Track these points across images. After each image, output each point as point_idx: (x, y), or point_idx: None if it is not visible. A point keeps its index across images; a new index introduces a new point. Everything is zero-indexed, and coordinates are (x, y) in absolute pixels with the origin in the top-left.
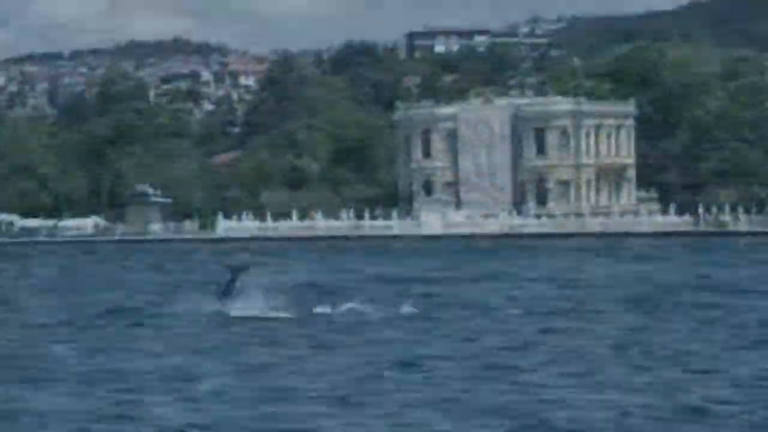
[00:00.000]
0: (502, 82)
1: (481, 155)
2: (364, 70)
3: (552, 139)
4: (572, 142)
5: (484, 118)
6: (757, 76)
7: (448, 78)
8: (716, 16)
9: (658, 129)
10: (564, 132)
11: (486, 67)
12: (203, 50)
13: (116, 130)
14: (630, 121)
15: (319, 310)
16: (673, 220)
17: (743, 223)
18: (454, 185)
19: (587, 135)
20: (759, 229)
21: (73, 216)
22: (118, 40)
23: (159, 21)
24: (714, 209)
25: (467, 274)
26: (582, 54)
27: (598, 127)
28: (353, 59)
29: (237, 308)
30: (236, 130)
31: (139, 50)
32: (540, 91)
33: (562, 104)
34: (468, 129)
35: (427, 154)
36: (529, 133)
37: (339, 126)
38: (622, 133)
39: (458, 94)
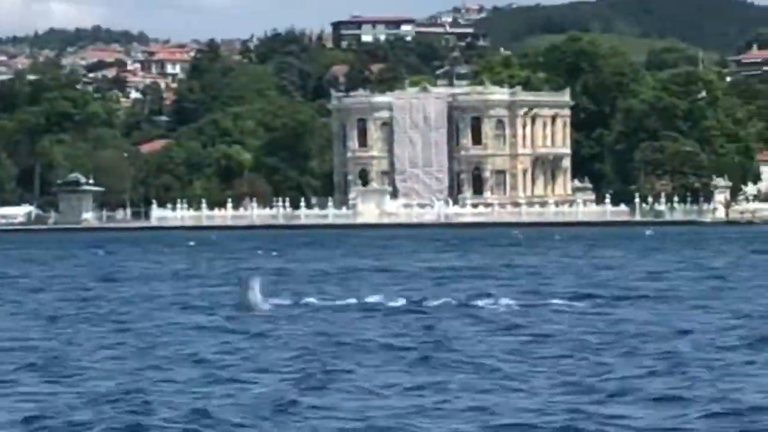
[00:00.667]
0: (431, 71)
1: (417, 144)
2: (291, 59)
3: (488, 128)
4: (508, 132)
5: (420, 107)
6: (686, 66)
7: (376, 67)
8: (636, 6)
9: (593, 119)
10: (500, 121)
11: (414, 56)
12: (124, 38)
13: (48, 119)
14: (565, 111)
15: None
16: (609, 210)
17: (678, 212)
18: (389, 174)
19: (523, 125)
20: (692, 218)
21: (4, 204)
22: (38, 27)
23: (77, 8)
24: (649, 199)
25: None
26: (505, 44)
27: (533, 117)
28: (280, 48)
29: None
30: (163, 118)
31: (59, 38)
32: (469, 79)
33: (498, 94)
34: (404, 118)
35: (362, 143)
36: (466, 122)
37: (271, 115)
38: (558, 123)
39: (387, 83)
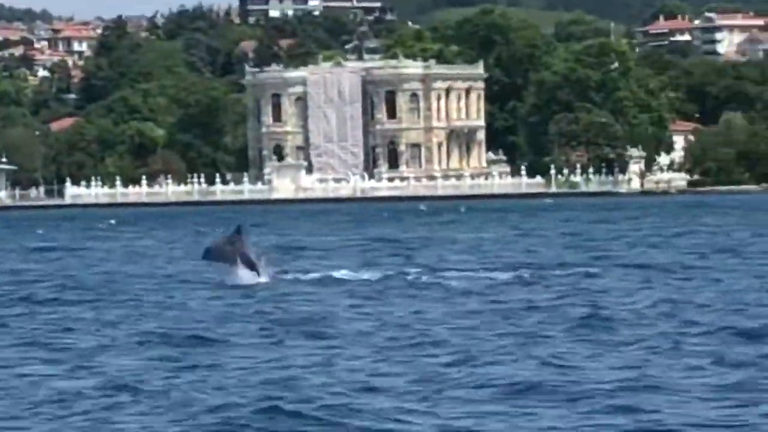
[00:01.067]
0: (340, 45)
1: (332, 119)
2: (199, 36)
3: (402, 102)
4: (422, 105)
5: (335, 81)
6: (596, 38)
7: (284, 42)
8: None
9: (506, 91)
10: (414, 95)
11: (322, 31)
12: (27, 17)
13: None
14: (479, 84)
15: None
16: (525, 182)
17: (594, 183)
18: (305, 149)
19: (438, 98)
20: (607, 189)
21: None
22: None
23: None
24: (565, 170)
25: None
26: (412, 17)
27: (448, 90)
28: (187, 24)
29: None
30: (71, 96)
31: None
32: (379, 53)
33: (413, 67)
34: (318, 93)
35: (277, 118)
36: (380, 96)
37: (184, 91)
38: (472, 96)
39: (300, 58)
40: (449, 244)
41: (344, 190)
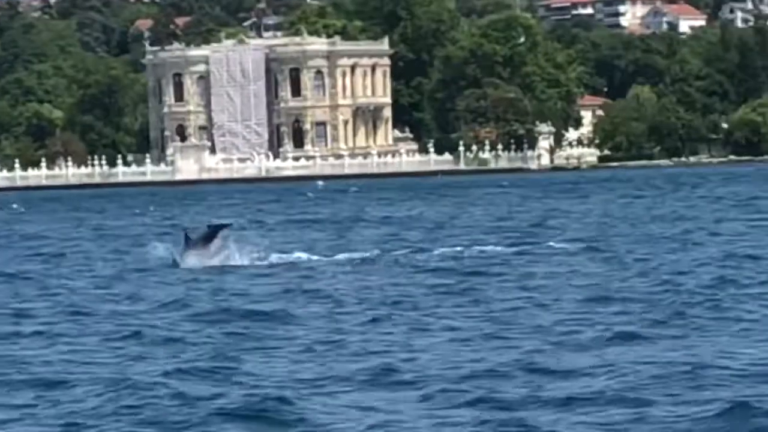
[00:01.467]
0: (237, 23)
1: (235, 98)
2: (93, 14)
3: (307, 79)
4: (327, 83)
5: (237, 59)
6: (501, 11)
7: (181, 21)
8: None
9: (411, 68)
10: (319, 72)
11: (219, 8)
12: None
13: None
14: (385, 60)
15: None
16: (433, 159)
17: (503, 160)
18: (208, 129)
19: (343, 75)
20: (517, 165)
21: None
22: None
23: None
24: (473, 147)
25: None
26: None
27: (353, 67)
28: (81, 3)
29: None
30: None
31: None
32: (278, 30)
33: (317, 44)
34: (221, 71)
35: (179, 98)
36: (284, 74)
37: (83, 72)
38: (378, 73)
39: (201, 36)
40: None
41: (249, 170)
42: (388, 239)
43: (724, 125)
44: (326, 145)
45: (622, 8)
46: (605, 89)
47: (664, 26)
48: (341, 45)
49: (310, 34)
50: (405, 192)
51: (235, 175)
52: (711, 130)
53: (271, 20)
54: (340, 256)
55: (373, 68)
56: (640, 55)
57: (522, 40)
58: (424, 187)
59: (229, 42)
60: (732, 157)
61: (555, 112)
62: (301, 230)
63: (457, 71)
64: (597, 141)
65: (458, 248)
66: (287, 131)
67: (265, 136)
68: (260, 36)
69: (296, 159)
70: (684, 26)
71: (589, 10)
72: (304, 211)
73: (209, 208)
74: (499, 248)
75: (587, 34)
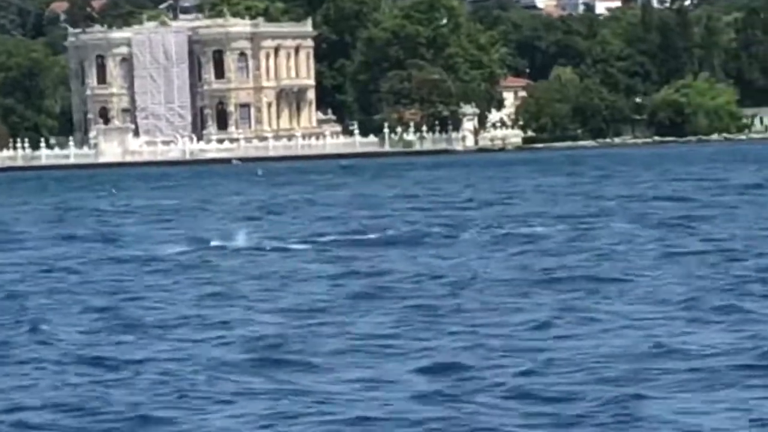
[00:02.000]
0: (154, 5)
1: (158, 80)
2: None
3: (230, 61)
4: (251, 65)
5: (160, 41)
6: None
7: (97, 3)
8: None
9: (334, 49)
10: (242, 54)
11: None
12: None
13: None
14: (308, 42)
15: None
16: (358, 141)
17: (428, 141)
18: (131, 112)
19: (267, 57)
20: (442, 147)
21: None
22: None
23: None
24: (398, 129)
25: None
26: None
27: (277, 49)
28: None
29: None
30: None
31: None
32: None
33: (241, 26)
34: (144, 53)
35: (101, 80)
36: (207, 56)
37: (4, 55)
38: (301, 54)
39: (123, 18)
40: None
41: (173, 153)
42: None
43: (647, 105)
44: (250, 127)
45: None
46: (527, 70)
47: (581, 8)
48: (264, 27)
49: (233, 15)
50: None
51: (159, 158)
52: (634, 110)
53: (187, 2)
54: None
55: (297, 50)
56: (561, 36)
57: (444, 21)
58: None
59: (152, 24)
60: (656, 137)
61: (479, 93)
62: None
63: (380, 53)
64: (521, 122)
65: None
66: (211, 113)
67: (189, 118)
68: (176, 18)
69: (220, 141)
70: (600, 7)
71: None
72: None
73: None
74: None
75: (508, 15)
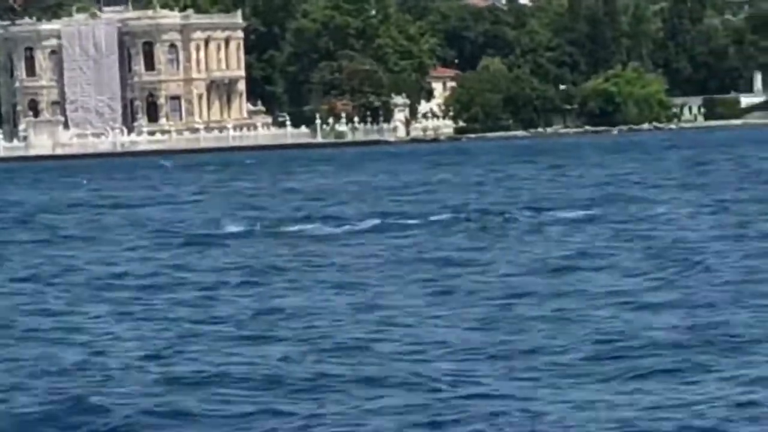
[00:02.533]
0: None
1: (88, 72)
2: None
3: (160, 53)
4: (182, 56)
5: (90, 34)
6: None
7: None
8: None
9: (263, 40)
10: (173, 46)
11: None
12: None
13: None
14: (238, 34)
15: None
16: (290, 132)
17: (360, 132)
18: (61, 104)
19: (197, 48)
20: (375, 138)
21: None
22: None
23: None
24: (330, 120)
25: None
26: None
27: (207, 41)
28: None
29: None
30: None
31: None
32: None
33: (171, 18)
34: (73, 45)
35: (31, 72)
36: (137, 48)
37: None
38: (231, 46)
39: (51, 10)
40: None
41: (103, 145)
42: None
43: (577, 95)
44: (181, 119)
45: None
46: (456, 61)
47: None
48: (195, 18)
49: (162, 7)
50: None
51: (90, 150)
52: (565, 100)
53: None
54: None
55: (227, 41)
56: (489, 27)
57: (374, 12)
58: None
59: (81, 16)
60: (588, 127)
61: (409, 84)
62: None
63: (310, 44)
64: (452, 113)
65: None
66: (141, 105)
67: (119, 110)
68: (99, 11)
69: (151, 133)
70: None
71: None
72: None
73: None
74: None
75: (436, 6)
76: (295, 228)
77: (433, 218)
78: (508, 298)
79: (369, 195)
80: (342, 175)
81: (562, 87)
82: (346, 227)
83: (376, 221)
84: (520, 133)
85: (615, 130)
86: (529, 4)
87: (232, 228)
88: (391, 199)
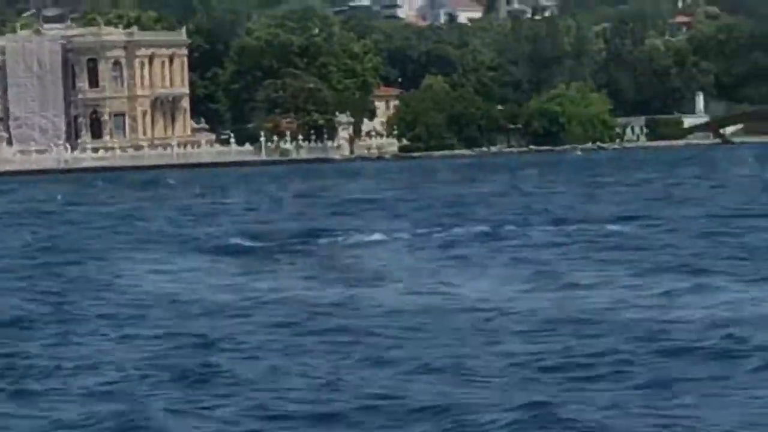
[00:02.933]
0: (16, 14)
1: (32, 89)
2: None
3: (105, 70)
4: (126, 73)
5: (34, 50)
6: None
7: None
8: None
9: (207, 58)
10: (117, 63)
11: None
12: None
13: None
14: (182, 51)
15: None
16: (234, 150)
17: (305, 150)
18: (4, 121)
19: (141, 66)
20: (319, 156)
21: None
22: None
23: None
24: (275, 138)
25: None
26: None
27: (151, 58)
28: None
29: None
30: None
31: None
32: (59, 22)
33: (115, 35)
34: (17, 62)
35: None
36: (81, 64)
37: None
38: (176, 63)
39: None
40: None
41: (47, 162)
42: None
43: (522, 114)
44: (125, 136)
45: (398, 0)
46: (399, 80)
47: (442, 18)
48: (139, 35)
49: (106, 24)
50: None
51: (33, 167)
52: (509, 119)
53: (51, 12)
54: None
55: (171, 59)
56: (432, 46)
57: (317, 30)
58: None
59: (25, 32)
60: (532, 147)
61: (353, 102)
62: None
63: (253, 62)
64: (396, 131)
65: None
66: (85, 122)
67: (63, 127)
68: (41, 27)
69: (95, 150)
70: (462, 18)
71: (366, 2)
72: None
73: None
74: None
75: (379, 25)
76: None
77: None
78: None
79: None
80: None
81: (502, 107)
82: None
83: None
84: (465, 152)
85: (579, 150)
86: (469, 24)
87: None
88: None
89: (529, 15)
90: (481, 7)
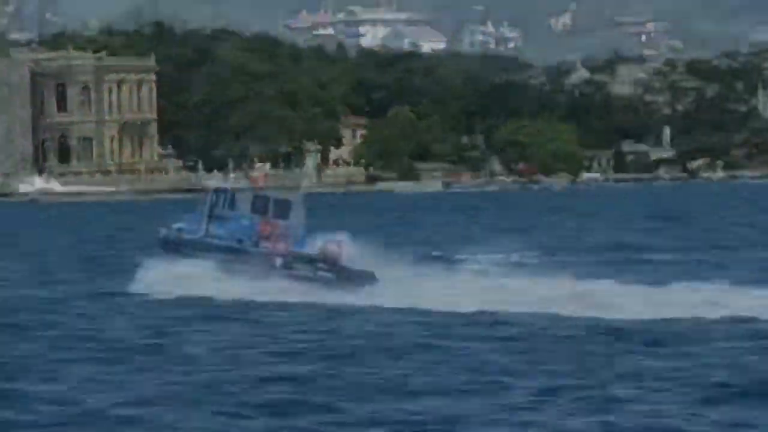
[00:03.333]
0: None
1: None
2: None
3: (73, 94)
4: (94, 98)
5: (3, 73)
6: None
7: None
8: None
9: (175, 84)
10: (85, 87)
11: None
12: None
13: None
14: (151, 76)
15: None
16: (203, 176)
17: (273, 178)
18: None
19: (109, 91)
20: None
21: None
22: None
23: None
24: (244, 165)
25: None
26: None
27: (120, 83)
28: None
29: None
30: None
31: None
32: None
33: (84, 59)
34: None
35: None
36: (50, 89)
37: None
38: (144, 89)
39: None
40: None
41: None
42: None
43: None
44: (92, 160)
45: (362, 29)
46: (367, 109)
47: (405, 47)
48: (108, 60)
49: (75, 49)
50: None
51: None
52: (476, 149)
53: (17, 35)
54: None
55: (140, 84)
56: (401, 75)
57: (286, 58)
58: None
59: None
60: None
61: (321, 130)
62: None
63: (222, 88)
64: (364, 161)
65: None
66: (53, 147)
67: (30, 151)
68: (7, 54)
69: (62, 175)
70: (426, 48)
71: (330, 31)
72: None
73: None
74: None
75: (346, 54)
76: None
77: None
78: None
79: None
80: None
81: (474, 137)
82: None
83: None
84: (433, 182)
85: (565, 183)
86: (431, 52)
87: None
88: None
89: (492, 46)
90: (445, 38)
